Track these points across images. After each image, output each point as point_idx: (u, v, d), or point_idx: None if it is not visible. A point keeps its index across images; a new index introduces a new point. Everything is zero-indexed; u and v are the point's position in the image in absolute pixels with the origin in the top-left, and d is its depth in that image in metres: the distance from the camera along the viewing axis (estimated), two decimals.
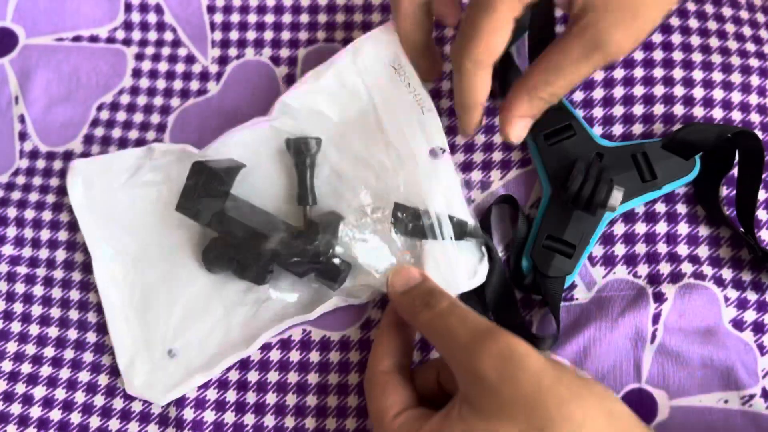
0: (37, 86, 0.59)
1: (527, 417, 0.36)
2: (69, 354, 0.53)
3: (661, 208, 0.50)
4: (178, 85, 0.58)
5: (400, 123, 0.50)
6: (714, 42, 0.53)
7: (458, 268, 0.47)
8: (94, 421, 0.51)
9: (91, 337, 0.53)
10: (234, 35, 0.59)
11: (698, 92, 0.51)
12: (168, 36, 0.60)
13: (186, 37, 0.60)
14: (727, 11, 0.54)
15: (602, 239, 0.49)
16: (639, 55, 0.53)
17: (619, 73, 0.53)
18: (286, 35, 0.59)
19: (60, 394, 0.52)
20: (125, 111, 0.58)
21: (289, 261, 0.48)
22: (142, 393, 0.50)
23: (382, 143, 0.50)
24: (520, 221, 0.49)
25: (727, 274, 0.48)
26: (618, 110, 0.52)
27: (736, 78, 0.52)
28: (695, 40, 0.53)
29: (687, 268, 0.48)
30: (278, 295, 0.51)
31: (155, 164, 0.54)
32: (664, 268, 0.48)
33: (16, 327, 0.54)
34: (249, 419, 0.50)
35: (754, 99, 0.51)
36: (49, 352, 0.53)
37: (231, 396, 0.50)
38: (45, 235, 0.56)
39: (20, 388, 0.52)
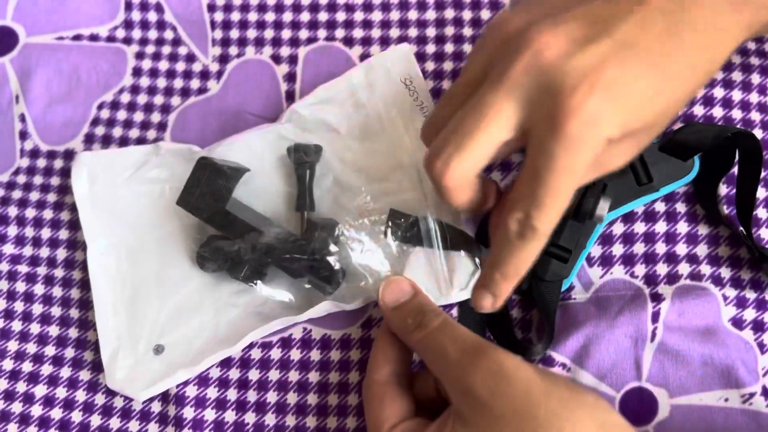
0: (38, 85, 0.59)
1: (520, 428, 0.36)
2: (69, 353, 0.53)
3: (660, 207, 0.50)
4: (178, 83, 0.59)
5: (406, 135, 0.51)
6: None
7: (450, 278, 0.48)
8: (95, 420, 0.51)
9: (92, 336, 0.53)
10: (234, 34, 0.59)
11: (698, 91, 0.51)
12: (168, 34, 0.60)
13: (186, 36, 0.60)
14: None
15: (601, 239, 0.49)
16: None
17: None
18: (286, 34, 0.59)
19: (61, 392, 0.52)
20: (126, 110, 0.58)
21: (284, 257, 0.48)
22: (123, 387, 0.50)
23: (385, 155, 0.51)
24: None
25: (725, 272, 0.48)
26: None
27: (737, 76, 0.52)
28: None
29: (684, 268, 0.48)
30: (270, 296, 0.51)
31: (161, 161, 0.54)
32: (662, 268, 0.48)
33: (17, 326, 0.54)
34: (250, 417, 0.50)
35: (754, 97, 0.51)
36: (49, 350, 0.53)
37: (232, 395, 0.50)
38: (46, 233, 0.56)
39: (21, 386, 0.52)
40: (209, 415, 0.50)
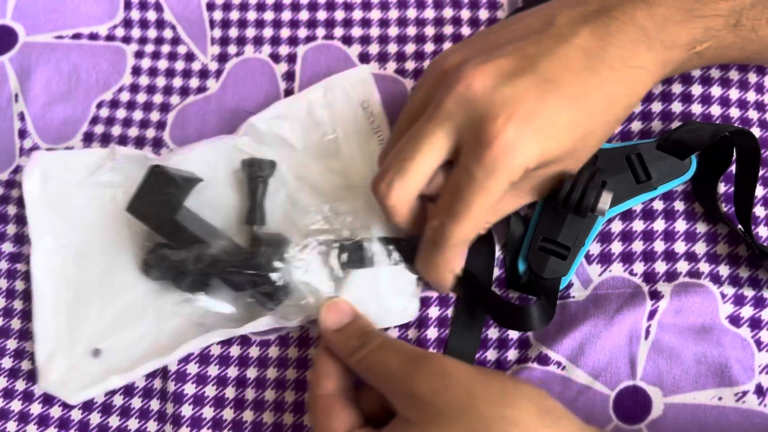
0: (37, 84, 0.59)
1: (463, 422, 0.38)
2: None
3: (658, 205, 0.50)
4: (177, 82, 0.59)
5: (359, 157, 0.51)
6: None
7: (390, 301, 0.48)
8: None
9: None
10: (233, 32, 0.59)
11: (696, 89, 0.51)
12: (167, 33, 0.60)
13: (185, 35, 0.60)
14: None
15: (599, 237, 0.49)
16: None
17: None
18: (285, 32, 0.59)
19: None
20: (125, 109, 0.58)
21: (228, 270, 0.49)
22: (55, 389, 0.50)
23: (339, 175, 0.52)
24: (514, 222, 0.49)
25: (724, 270, 0.48)
26: None
27: (734, 75, 0.52)
28: None
29: (683, 266, 0.48)
30: (212, 307, 0.51)
31: (116, 166, 0.54)
32: (660, 266, 0.48)
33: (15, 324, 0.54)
34: (248, 416, 0.50)
35: (751, 96, 0.51)
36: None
37: (230, 393, 0.50)
38: None
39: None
40: (207, 413, 0.50)
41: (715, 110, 0.51)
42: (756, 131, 0.50)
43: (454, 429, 0.38)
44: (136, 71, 0.59)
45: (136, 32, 0.60)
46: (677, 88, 0.51)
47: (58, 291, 0.52)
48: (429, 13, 0.57)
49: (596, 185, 0.44)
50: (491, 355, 0.48)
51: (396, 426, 0.40)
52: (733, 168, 0.49)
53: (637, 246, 0.49)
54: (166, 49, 0.60)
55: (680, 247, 0.49)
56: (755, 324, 0.46)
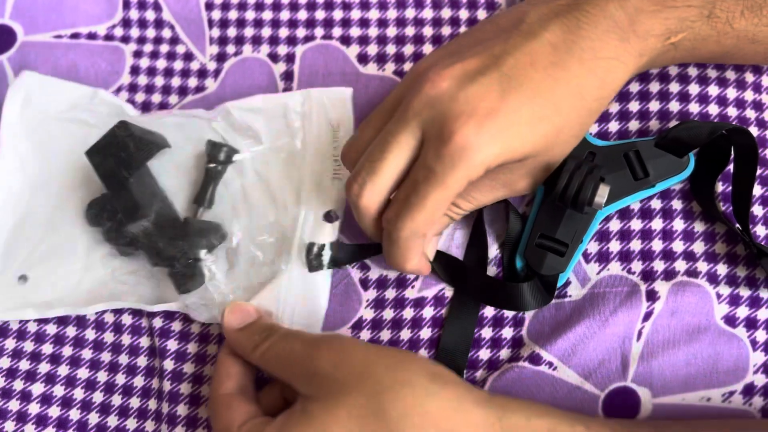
0: None
1: (362, 389, 0.40)
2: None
3: (656, 204, 0.50)
4: (176, 82, 0.59)
5: (315, 178, 0.52)
6: None
7: (295, 324, 0.49)
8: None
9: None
10: (232, 32, 0.59)
11: (693, 88, 0.51)
12: (166, 33, 0.60)
13: (184, 35, 0.60)
14: None
15: (597, 236, 0.49)
16: None
17: None
18: (284, 32, 0.59)
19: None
20: None
21: (152, 242, 0.49)
22: None
23: (294, 187, 0.52)
24: (512, 219, 0.49)
25: (722, 270, 0.48)
26: (614, 107, 0.52)
27: (731, 74, 0.51)
28: None
29: (681, 265, 0.48)
30: (137, 270, 0.52)
31: (95, 108, 0.56)
32: (658, 265, 0.48)
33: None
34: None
35: (749, 95, 0.51)
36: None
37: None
38: None
39: None
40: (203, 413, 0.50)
41: (713, 109, 0.51)
42: (753, 130, 0.50)
43: (353, 398, 0.39)
44: (135, 71, 0.59)
45: (134, 32, 0.60)
46: (674, 87, 0.51)
47: (5, 211, 0.54)
48: (427, 13, 0.57)
49: (593, 179, 0.44)
50: (483, 354, 0.48)
51: (298, 404, 0.41)
52: (731, 167, 0.49)
53: (635, 245, 0.49)
54: (164, 48, 0.60)
55: (678, 246, 0.49)
56: (751, 324, 0.46)
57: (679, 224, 0.49)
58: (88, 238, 0.54)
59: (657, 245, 0.49)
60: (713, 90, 0.51)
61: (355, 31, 0.58)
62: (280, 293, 0.49)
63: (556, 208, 0.47)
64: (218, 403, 0.45)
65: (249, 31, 0.59)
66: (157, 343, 0.51)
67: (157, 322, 0.52)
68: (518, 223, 0.49)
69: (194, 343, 0.51)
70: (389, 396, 0.39)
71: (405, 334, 0.49)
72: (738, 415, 0.45)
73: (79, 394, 0.52)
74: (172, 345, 0.51)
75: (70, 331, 0.53)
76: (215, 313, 0.50)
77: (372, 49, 0.57)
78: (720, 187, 0.49)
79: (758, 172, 0.49)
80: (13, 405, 0.52)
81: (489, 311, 0.49)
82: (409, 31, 0.57)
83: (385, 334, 0.50)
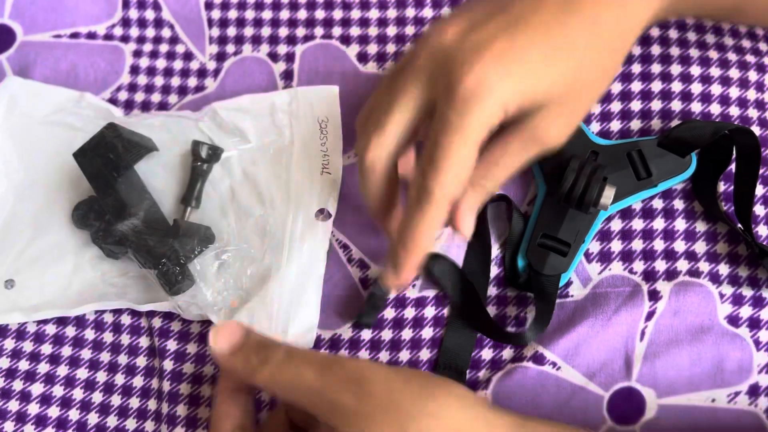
0: None
1: (389, 421, 0.37)
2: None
3: (658, 204, 0.49)
4: (176, 81, 0.59)
5: (304, 175, 0.52)
6: (710, 38, 0.53)
7: (289, 326, 0.49)
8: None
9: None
10: (231, 32, 0.59)
11: (696, 88, 0.51)
12: (166, 33, 0.60)
13: (184, 34, 0.60)
14: None
15: (599, 235, 0.49)
16: (636, 51, 0.53)
17: None
18: (283, 32, 0.59)
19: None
20: (123, 108, 0.58)
21: (141, 243, 0.49)
22: None
23: (282, 185, 0.52)
24: (515, 218, 0.49)
25: (723, 270, 0.48)
26: (616, 106, 0.52)
27: (734, 73, 0.51)
28: (692, 36, 0.53)
29: (683, 265, 0.48)
30: (127, 272, 0.52)
31: (81, 111, 0.56)
32: (660, 265, 0.48)
33: None
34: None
35: (752, 94, 0.51)
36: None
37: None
38: None
39: None
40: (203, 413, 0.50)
41: (715, 109, 0.50)
42: (756, 130, 0.50)
43: (381, 430, 0.37)
44: (135, 70, 0.59)
45: (134, 31, 0.60)
46: (677, 87, 0.51)
47: None
48: (427, 12, 0.57)
49: (598, 180, 0.44)
50: (486, 354, 0.48)
51: None
52: (732, 167, 0.49)
53: (637, 244, 0.49)
54: (164, 48, 0.60)
55: (680, 245, 0.48)
56: (754, 324, 0.46)
57: (680, 224, 0.49)
58: (77, 241, 0.54)
59: (659, 245, 0.49)
60: (716, 89, 0.51)
61: (355, 31, 0.58)
62: (273, 295, 0.49)
63: (559, 208, 0.47)
64: None
65: (249, 31, 0.59)
66: (157, 343, 0.51)
67: (157, 322, 0.52)
68: (521, 223, 0.49)
69: (194, 343, 0.51)
70: (416, 427, 0.37)
71: (407, 334, 0.49)
72: (744, 415, 0.45)
73: (78, 394, 0.52)
74: (171, 345, 0.51)
75: (70, 332, 0.53)
76: (206, 312, 0.50)
77: (372, 48, 0.57)
78: (722, 186, 0.49)
79: (761, 171, 0.49)
80: (13, 405, 0.52)
81: (492, 310, 0.49)
82: (409, 30, 0.57)
83: (387, 334, 0.49)
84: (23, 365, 0.53)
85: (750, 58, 0.52)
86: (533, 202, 0.50)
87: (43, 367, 0.52)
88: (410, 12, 0.57)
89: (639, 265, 0.48)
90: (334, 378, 0.39)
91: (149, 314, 0.52)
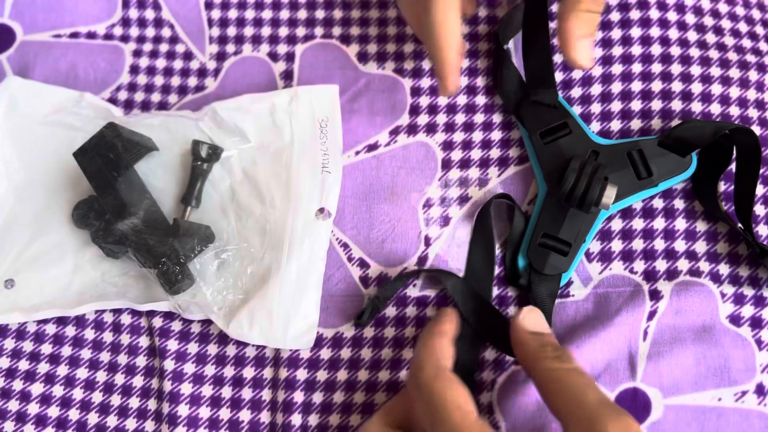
0: None
1: None
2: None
3: (658, 203, 0.49)
4: (175, 81, 0.58)
5: (304, 174, 0.52)
6: (711, 38, 0.53)
7: (291, 325, 0.49)
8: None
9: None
10: (231, 31, 0.59)
11: (696, 87, 0.51)
12: (166, 32, 0.60)
13: (184, 34, 0.60)
14: (723, 7, 0.54)
15: (599, 235, 0.49)
16: (637, 51, 0.53)
17: (617, 69, 0.53)
18: (283, 31, 0.59)
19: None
20: (123, 107, 0.58)
21: (142, 243, 0.49)
22: None
23: (282, 184, 0.52)
24: (516, 218, 0.49)
25: (724, 269, 0.48)
26: (616, 106, 0.52)
27: (735, 73, 0.51)
28: (692, 36, 0.53)
29: (683, 264, 0.48)
30: (127, 272, 0.52)
31: (81, 111, 0.56)
32: (661, 264, 0.48)
33: None
34: (245, 415, 0.50)
35: (752, 94, 0.51)
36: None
37: (226, 392, 0.50)
38: None
39: None
40: (203, 412, 0.50)
41: (715, 108, 0.50)
42: (756, 129, 0.50)
43: None
44: (134, 70, 0.59)
45: (134, 31, 0.60)
46: (677, 87, 0.51)
47: None
48: None
49: (599, 179, 0.44)
50: (489, 354, 0.48)
51: None
52: (733, 166, 0.49)
53: (638, 244, 0.49)
54: (164, 47, 0.60)
55: (680, 245, 0.48)
56: (756, 323, 0.46)
57: (681, 224, 0.49)
58: (76, 241, 0.54)
59: (659, 245, 0.49)
60: (716, 89, 0.51)
61: (355, 30, 0.58)
62: (274, 294, 0.49)
63: (559, 208, 0.47)
64: (441, 378, 0.40)
65: (249, 30, 0.59)
66: (157, 342, 0.51)
67: (157, 322, 0.52)
68: (522, 222, 0.49)
69: (194, 343, 0.51)
70: None
71: (409, 332, 0.49)
72: (752, 415, 0.45)
73: (78, 394, 0.52)
74: (172, 345, 0.51)
75: (69, 331, 0.53)
76: (207, 312, 0.50)
77: (372, 48, 0.57)
78: (722, 186, 0.49)
79: (761, 171, 0.49)
80: (13, 405, 0.52)
81: None
82: (410, 30, 0.57)
83: (389, 332, 0.49)
84: (23, 365, 0.53)
85: (750, 58, 0.52)
86: (533, 201, 0.50)
87: (43, 367, 0.52)
88: None
89: (639, 265, 0.48)
90: (612, 416, 0.37)
91: (149, 314, 0.52)
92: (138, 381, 0.51)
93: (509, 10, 0.55)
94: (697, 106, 0.51)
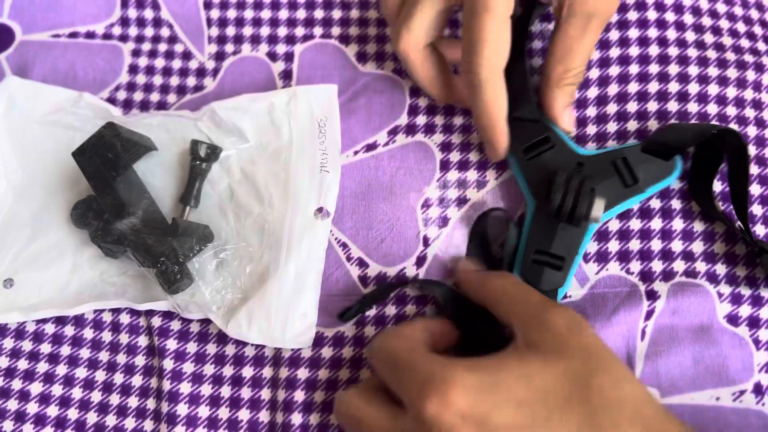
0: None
1: (584, 360, 0.39)
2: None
3: (655, 204, 0.50)
4: (174, 81, 0.59)
5: (302, 173, 0.52)
6: (709, 38, 0.53)
7: (289, 324, 0.49)
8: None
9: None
10: (230, 31, 0.59)
11: (693, 88, 0.51)
12: (165, 32, 0.60)
13: (182, 34, 0.60)
14: (721, 7, 0.54)
15: (596, 235, 0.49)
16: (634, 52, 0.53)
17: (614, 71, 0.53)
18: (282, 31, 0.59)
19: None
20: (122, 107, 0.58)
21: (140, 242, 0.49)
22: None
23: (281, 183, 0.52)
24: (511, 232, 0.48)
25: (721, 269, 0.48)
26: (612, 108, 0.52)
27: (732, 73, 0.52)
28: (690, 36, 0.53)
29: (680, 265, 0.48)
30: (125, 271, 0.53)
31: (80, 111, 0.56)
32: (657, 265, 0.48)
33: None
34: (243, 414, 0.50)
35: (749, 94, 0.51)
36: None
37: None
38: None
39: None
40: (202, 412, 0.50)
41: (712, 109, 0.51)
42: (752, 129, 0.50)
43: (573, 363, 0.39)
44: (133, 70, 0.59)
45: (133, 31, 0.60)
46: (674, 87, 0.51)
47: None
48: None
49: (587, 192, 0.44)
50: None
51: (519, 347, 0.41)
52: (725, 167, 0.49)
53: (634, 245, 0.49)
54: (163, 47, 0.60)
55: (677, 245, 0.49)
56: (753, 323, 0.46)
57: (678, 224, 0.49)
58: (75, 240, 0.54)
59: (656, 245, 0.49)
60: (713, 89, 0.51)
61: (353, 30, 0.58)
62: (272, 293, 0.49)
63: (550, 223, 0.47)
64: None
65: (248, 30, 0.59)
66: (156, 342, 0.51)
67: (156, 321, 0.52)
68: (515, 238, 0.48)
69: (193, 342, 0.51)
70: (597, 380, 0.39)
71: None
72: (751, 414, 0.45)
73: (77, 393, 0.52)
74: (171, 344, 0.51)
75: (68, 331, 0.53)
76: (206, 311, 0.50)
77: (371, 48, 0.57)
78: (719, 186, 0.49)
79: (758, 171, 0.49)
80: (12, 404, 0.52)
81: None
82: None
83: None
84: (22, 364, 0.53)
85: (748, 58, 0.52)
86: (522, 217, 0.50)
87: (42, 367, 0.52)
88: None
89: (636, 265, 0.48)
90: (554, 308, 0.42)
91: (148, 313, 0.52)
92: (137, 380, 0.51)
93: None
94: (693, 107, 0.51)
